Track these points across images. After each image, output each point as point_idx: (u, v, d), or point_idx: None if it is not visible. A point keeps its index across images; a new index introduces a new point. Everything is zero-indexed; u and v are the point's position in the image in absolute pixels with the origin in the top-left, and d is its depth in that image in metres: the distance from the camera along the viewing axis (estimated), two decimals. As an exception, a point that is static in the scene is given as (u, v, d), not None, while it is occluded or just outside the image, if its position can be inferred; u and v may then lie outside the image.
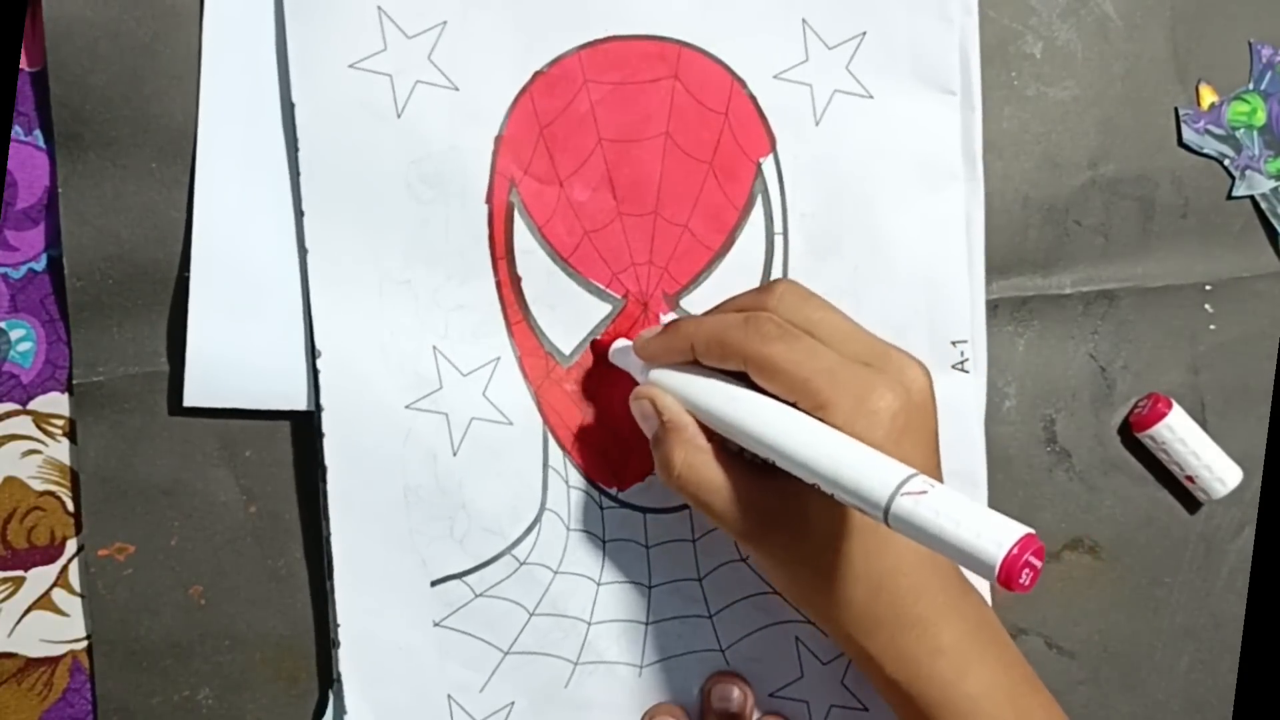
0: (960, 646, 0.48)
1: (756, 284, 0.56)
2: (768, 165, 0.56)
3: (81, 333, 0.54)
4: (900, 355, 0.48)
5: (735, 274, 0.56)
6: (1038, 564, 0.37)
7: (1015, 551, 0.36)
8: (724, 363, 0.48)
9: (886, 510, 0.40)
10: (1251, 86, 0.60)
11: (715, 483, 0.48)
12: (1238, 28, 0.60)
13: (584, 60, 0.55)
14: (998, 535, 0.37)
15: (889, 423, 0.45)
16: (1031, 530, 0.37)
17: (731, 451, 0.49)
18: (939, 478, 0.49)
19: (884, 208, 0.56)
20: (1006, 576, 0.36)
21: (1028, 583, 0.37)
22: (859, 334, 0.48)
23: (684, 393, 0.49)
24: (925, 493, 0.39)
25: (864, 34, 0.56)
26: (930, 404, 0.48)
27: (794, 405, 0.46)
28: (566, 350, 0.55)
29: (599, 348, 0.55)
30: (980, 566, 0.37)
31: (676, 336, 0.50)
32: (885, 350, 0.48)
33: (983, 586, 0.53)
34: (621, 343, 0.54)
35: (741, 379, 0.48)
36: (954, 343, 0.56)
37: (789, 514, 0.47)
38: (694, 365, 0.50)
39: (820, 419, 0.44)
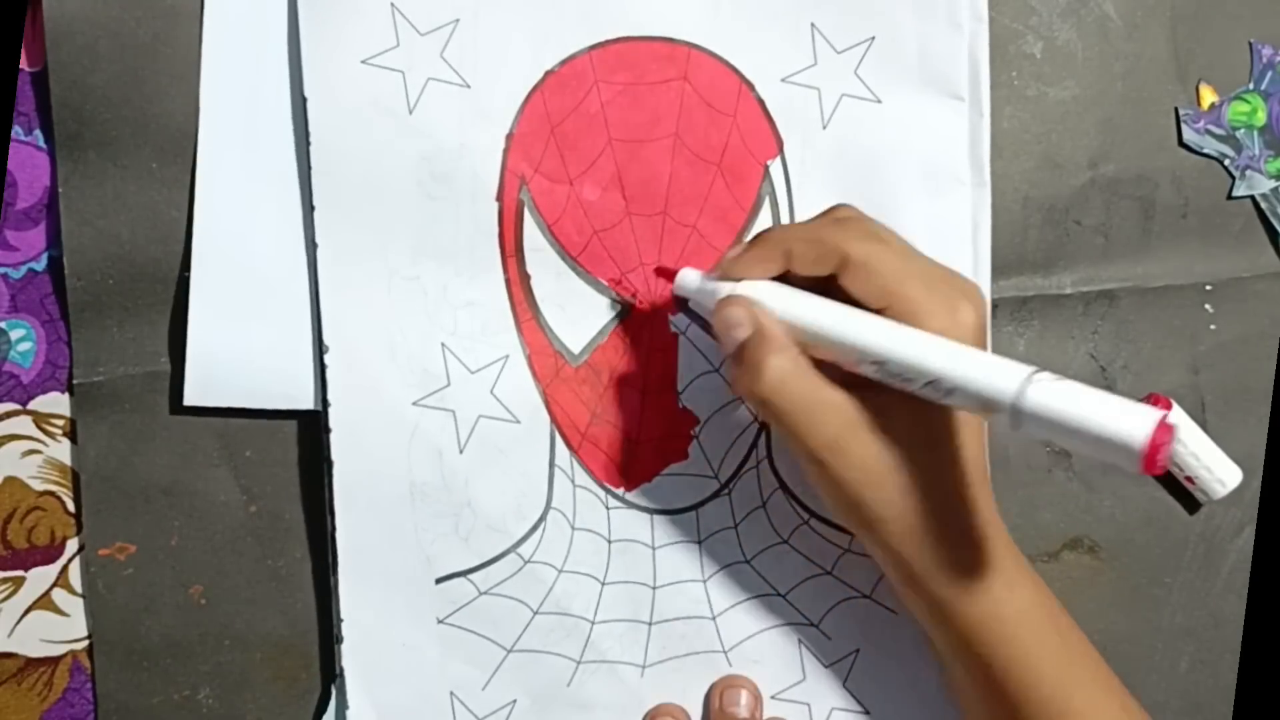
0: (1008, 564, 0.49)
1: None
2: (775, 168, 0.56)
3: (82, 333, 0.54)
4: (957, 273, 0.48)
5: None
6: (1170, 446, 0.37)
7: (1156, 436, 0.36)
8: (819, 265, 0.48)
9: (1015, 403, 0.40)
10: (1252, 86, 0.60)
11: (805, 392, 0.47)
12: (1238, 28, 0.60)
13: (595, 60, 0.55)
14: (1137, 419, 0.37)
15: (974, 335, 0.46)
16: (1163, 413, 0.37)
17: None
18: None
19: (890, 212, 0.55)
20: (1149, 461, 0.36)
21: (1164, 463, 0.37)
22: (922, 254, 0.49)
23: (782, 307, 0.48)
24: (1059, 380, 0.39)
25: (873, 39, 0.56)
26: (986, 324, 0.49)
27: (878, 313, 0.46)
28: (575, 349, 0.55)
29: (664, 272, 0.54)
30: (1120, 452, 0.37)
31: (767, 242, 0.49)
32: (945, 268, 0.49)
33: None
34: (690, 273, 0.52)
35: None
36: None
37: (872, 427, 0.47)
38: (776, 284, 0.49)
39: (913, 325, 0.45)
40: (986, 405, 0.41)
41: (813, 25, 0.56)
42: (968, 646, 0.49)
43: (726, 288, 0.50)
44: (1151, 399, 0.59)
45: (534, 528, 0.55)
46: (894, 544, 0.48)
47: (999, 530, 0.49)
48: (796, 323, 0.48)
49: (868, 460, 0.47)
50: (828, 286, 0.48)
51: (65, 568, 0.55)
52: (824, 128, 0.56)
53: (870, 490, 0.48)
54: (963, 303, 0.46)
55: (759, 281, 0.49)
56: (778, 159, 0.56)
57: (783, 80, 0.56)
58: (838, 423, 0.47)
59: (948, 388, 0.43)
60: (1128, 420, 0.37)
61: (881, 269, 0.46)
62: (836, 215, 0.50)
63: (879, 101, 0.56)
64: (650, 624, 0.56)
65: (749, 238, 0.53)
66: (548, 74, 0.54)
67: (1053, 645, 0.49)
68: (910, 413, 0.47)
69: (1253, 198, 0.60)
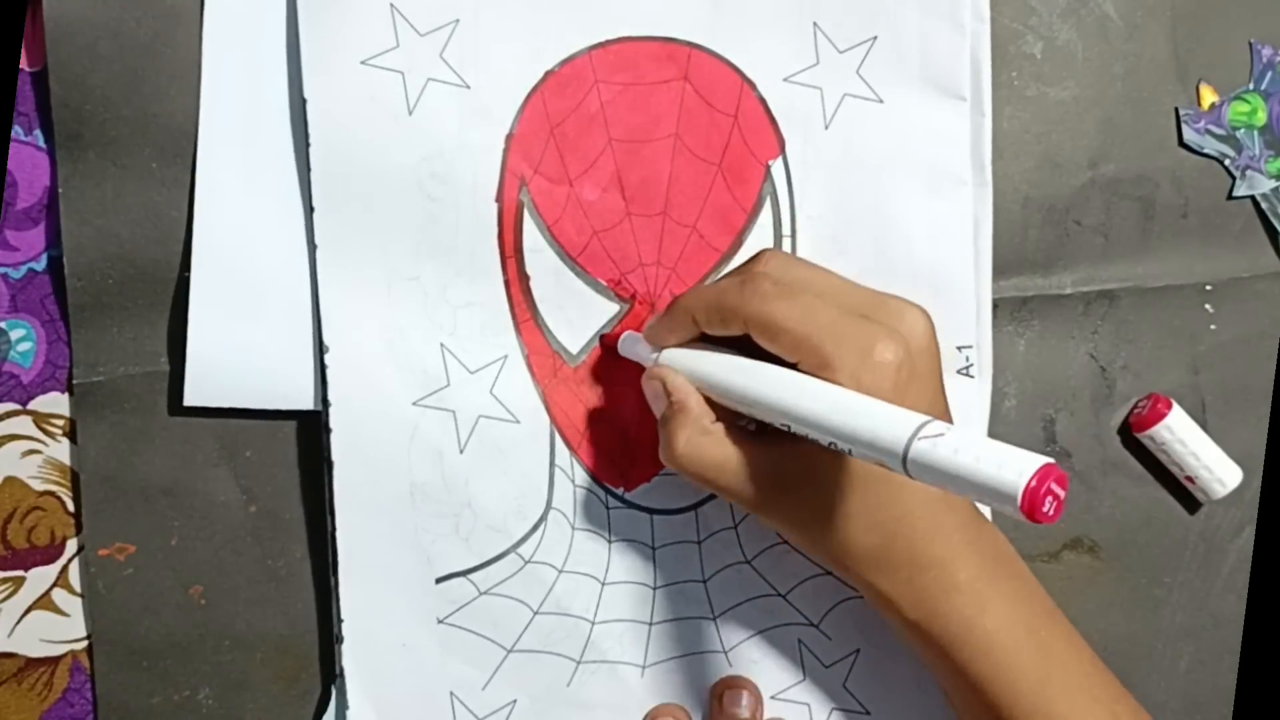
0: (977, 583, 0.48)
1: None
2: (776, 168, 0.56)
3: (82, 333, 0.54)
4: (897, 302, 0.48)
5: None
6: (1061, 493, 0.37)
7: (1034, 482, 0.36)
8: (725, 327, 0.48)
9: (904, 458, 0.40)
10: (1252, 86, 0.60)
11: (719, 459, 0.48)
12: (1238, 28, 0.60)
13: (595, 60, 0.55)
14: (1017, 466, 0.37)
15: (894, 374, 0.45)
16: (1051, 460, 0.37)
17: (739, 428, 0.50)
18: (948, 419, 0.50)
19: (892, 212, 0.56)
20: (1030, 506, 0.36)
21: (1052, 512, 0.37)
22: (852, 287, 0.49)
23: (692, 369, 0.50)
24: (941, 435, 0.39)
25: (875, 38, 0.56)
26: (933, 346, 0.48)
27: (795, 367, 0.46)
28: (574, 349, 0.55)
29: (608, 342, 0.55)
30: (1002, 500, 0.37)
31: (676, 311, 0.50)
32: (881, 300, 0.48)
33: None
34: (630, 334, 0.54)
35: (744, 354, 0.49)
36: (959, 348, 0.56)
37: (798, 477, 0.48)
38: (701, 344, 0.51)
39: (825, 378, 0.45)
40: (883, 461, 0.41)
41: (815, 25, 0.55)
42: (942, 662, 0.49)
43: (649, 354, 0.52)
44: (1151, 399, 0.59)
45: (534, 528, 0.55)
46: (856, 570, 0.49)
47: (963, 549, 0.48)
48: (710, 386, 0.49)
49: (801, 507, 0.48)
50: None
51: (65, 568, 0.55)
52: (826, 128, 0.56)
53: (808, 536, 0.49)
54: (881, 342, 0.45)
55: (677, 350, 0.51)
56: (779, 159, 0.56)
57: (784, 80, 0.56)
58: (759, 480, 0.48)
59: (845, 446, 0.43)
60: (1008, 469, 0.37)
61: (784, 326, 0.46)
62: (750, 270, 0.49)
63: (881, 101, 0.56)
64: (650, 624, 0.56)
65: (748, 240, 0.54)
66: (548, 74, 0.54)
67: (1030, 659, 0.48)
68: (837, 460, 0.47)
69: (1253, 198, 0.60)
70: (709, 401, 0.50)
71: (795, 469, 0.48)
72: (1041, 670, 0.48)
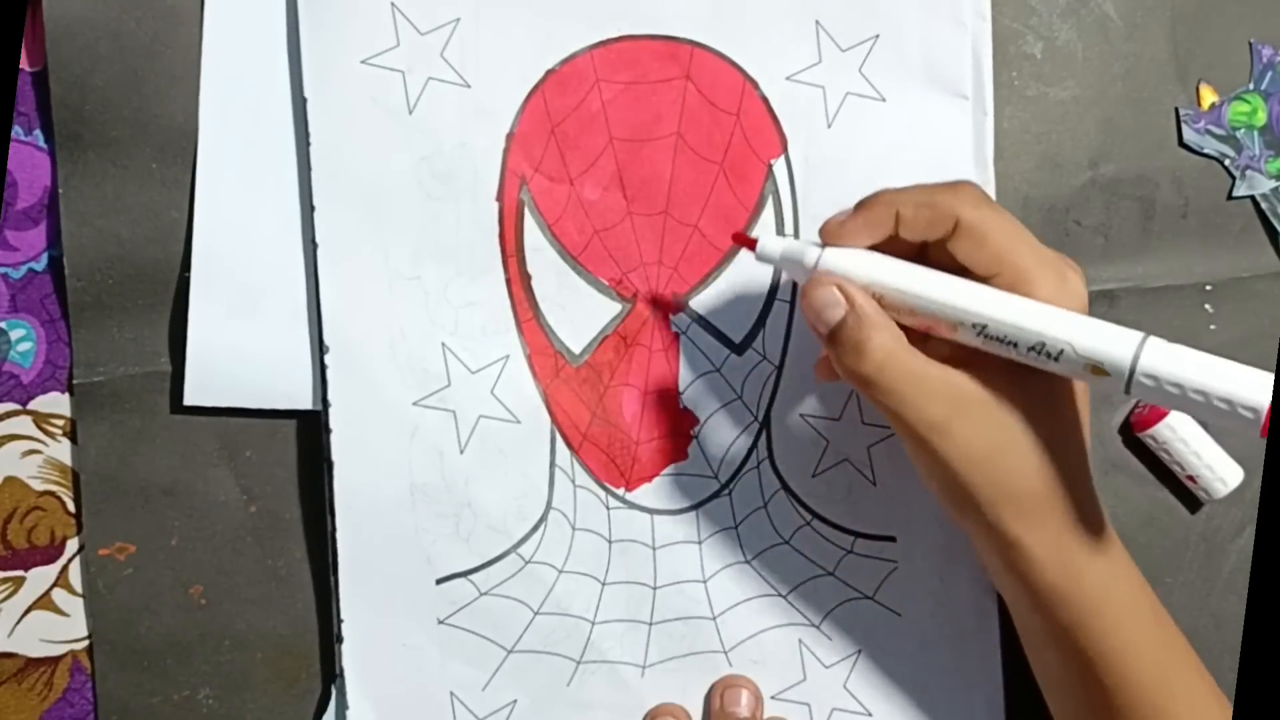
0: (1114, 549, 0.48)
1: (766, 286, 0.56)
2: (779, 166, 0.56)
3: (82, 333, 0.54)
4: (1062, 254, 0.48)
5: (745, 275, 0.56)
6: None
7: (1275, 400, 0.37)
8: (931, 228, 0.47)
9: (1132, 368, 0.40)
10: (1252, 86, 0.60)
11: (915, 370, 0.46)
12: (1238, 28, 0.60)
13: (596, 59, 0.55)
14: (1258, 383, 0.38)
15: (1081, 306, 0.46)
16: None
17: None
18: None
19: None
20: (1268, 423, 0.37)
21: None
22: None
23: (875, 277, 0.47)
24: (1171, 347, 0.40)
25: (877, 37, 0.56)
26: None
27: (986, 282, 0.46)
28: (576, 349, 0.55)
29: (740, 239, 0.51)
30: (1238, 417, 0.37)
31: (877, 206, 0.48)
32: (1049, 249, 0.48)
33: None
34: (772, 237, 0.50)
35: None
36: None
37: (980, 403, 0.46)
38: (864, 251, 0.48)
39: (1023, 294, 0.45)
40: (1098, 368, 0.41)
41: (817, 23, 0.56)
42: (1069, 634, 0.48)
43: (814, 253, 0.48)
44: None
45: (534, 528, 0.55)
46: (1001, 527, 0.47)
47: (1103, 512, 0.48)
48: (889, 289, 0.47)
49: (975, 440, 0.46)
50: (918, 258, 0.47)
51: (65, 568, 0.55)
52: (828, 126, 0.56)
53: (978, 471, 0.47)
54: (1071, 274, 0.46)
55: (847, 249, 0.48)
56: (781, 158, 0.56)
57: (787, 78, 0.56)
58: (945, 401, 0.46)
59: (1055, 351, 0.43)
60: (1248, 384, 0.38)
61: (994, 235, 0.46)
62: (956, 183, 0.49)
63: (883, 100, 0.56)
64: (650, 624, 0.56)
65: (752, 235, 0.53)
66: (549, 73, 0.54)
67: (1155, 634, 0.48)
68: (1018, 390, 0.46)
69: (1253, 198, 0.60)
70: None
71: (979, 395, 0.46)
72: (1164, 646, 0.48)
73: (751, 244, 0.49)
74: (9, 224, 0.54)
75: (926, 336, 0.47)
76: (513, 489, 0.55)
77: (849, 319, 0.47)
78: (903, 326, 0.47)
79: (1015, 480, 0.46)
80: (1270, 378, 0.37)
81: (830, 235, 0.49)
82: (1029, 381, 0.46)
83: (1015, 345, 0.44)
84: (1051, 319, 0.43)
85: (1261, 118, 0.60)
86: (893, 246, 0.48)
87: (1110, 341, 0.42)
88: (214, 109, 0.54)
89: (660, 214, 0.55)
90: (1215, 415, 0.39)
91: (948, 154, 0.56)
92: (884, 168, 0.56)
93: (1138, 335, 0.42)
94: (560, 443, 0.55)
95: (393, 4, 0.53)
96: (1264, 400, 0.37)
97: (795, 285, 0.55)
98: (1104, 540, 0.48)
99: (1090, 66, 0.59)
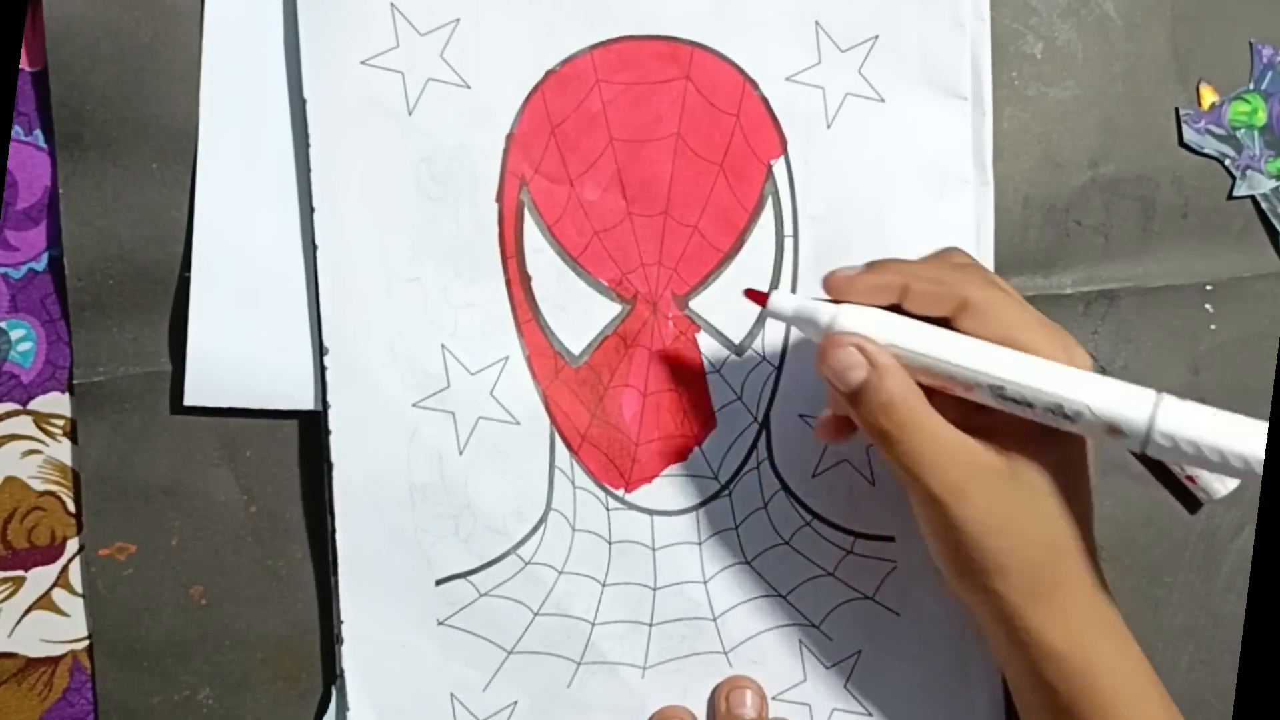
0: (1118, 623, 0.48)
1: (765, 287, 0.56)
2: (778, 167, 0.56)
3: (82, 333, 0.54)
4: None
5: (744, 275, 0.56)
6: None
7: None
8: (937, 305, 0.47)
9: (1150, 426, 0.41)
10: (1252, 86, 0.60)
11: (933, 431, 0.46)
12: (1238, 28, 0.60)
13: (596, 60, 0.55)
14: (1261, 437, 0.38)
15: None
16: None
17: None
18: None
19: (894, 211, 0.56)
20: None
21: None
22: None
23: (894, 338, 0.47)
24: (1182, 404, 0.40)
25: (876, 37, 0.56)
26: None
27: None
28: (575, 350, 0.55)
29: (752, 295, 0.50)
30: (1247, 471, 0.39)
31: (889, 272, 0.48)
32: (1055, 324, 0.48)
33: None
34: (785, 294, 0.49)
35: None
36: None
37: (997, 471, 0.46)
38: (883, 311, 0.48)
39: None
40: (1113, 429, 0.42)
41: (817, 24, 0.56)
42: (1073, 707, 0.47)
43: (828, 312, 0.48)
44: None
45: (534, 529, 0.55)
46: (1009, 596, 0.47)
47: (1103, 584, 0.48)
48: (907, 348, 0.46)
49: (990, 506, 0.46)
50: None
51: (65, 568, 0.55)
52: (828, 127, 0.56)
53: (990, 538, 0.46)
54: (1076, 350, 0.46)
55: (864, 308, 0.48)
56: (781, 158, 0.56)
57: (786, 79, 0.56)
58: (963, 464, 0.46)
59: (1073, 411, 0.43)
60: (1255, 440, 0.39)
61: (1001, 314, 0.46)
62: (954, 260, 0.50)
63: (883, 101, 0.56)
64: (651, 625, 0.56)
65: (750, 239, 0.53)
66: (549, 73, 0.54)
67: (1158, 710, 0.48)
68: (1035, 458, 0.46)
69: (1253, 198, 0.60)
70: None
71: (996, 463, 0.46)
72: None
73: (763, 299, 0.49)
74: (9, 224, 0.54)
75: (934, 400, 0.47)
76: (512, 490, 0.55)
77: (873, 376, 0.46)
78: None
79: (1028, 551, 0.47)
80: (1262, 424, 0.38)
81: (837, 290, 0.49)
82: (1044, 449, 0.46)
83: (1032, 406, 0.44)
84: (1068, 380, 0.44)
85: (1261, 118, 0.60)
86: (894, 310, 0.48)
87: (1126, 402, 0.43)
88: (214, 109, 0.54)
89: (660, 215, 0.55)
90: (1231, 471, 0.39)
91: (947, 155, 0.56)
92: (883, 168, 0.56)
93: (1152, 395, 0.42)
94: (560, 444, 0.55)
95: (392, 4, 0.53)
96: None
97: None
98: (1109, 613, 0.48)
99: (1090, 66, 0.59)
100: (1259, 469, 0.38)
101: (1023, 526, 0.46)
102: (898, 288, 0.47)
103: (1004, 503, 0.46)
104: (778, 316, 0.49)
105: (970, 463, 0.46)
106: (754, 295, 0.50)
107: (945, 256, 0.50)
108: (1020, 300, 0.47)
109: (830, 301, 0.48)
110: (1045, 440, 0.45)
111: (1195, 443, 0.40)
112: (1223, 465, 0.40)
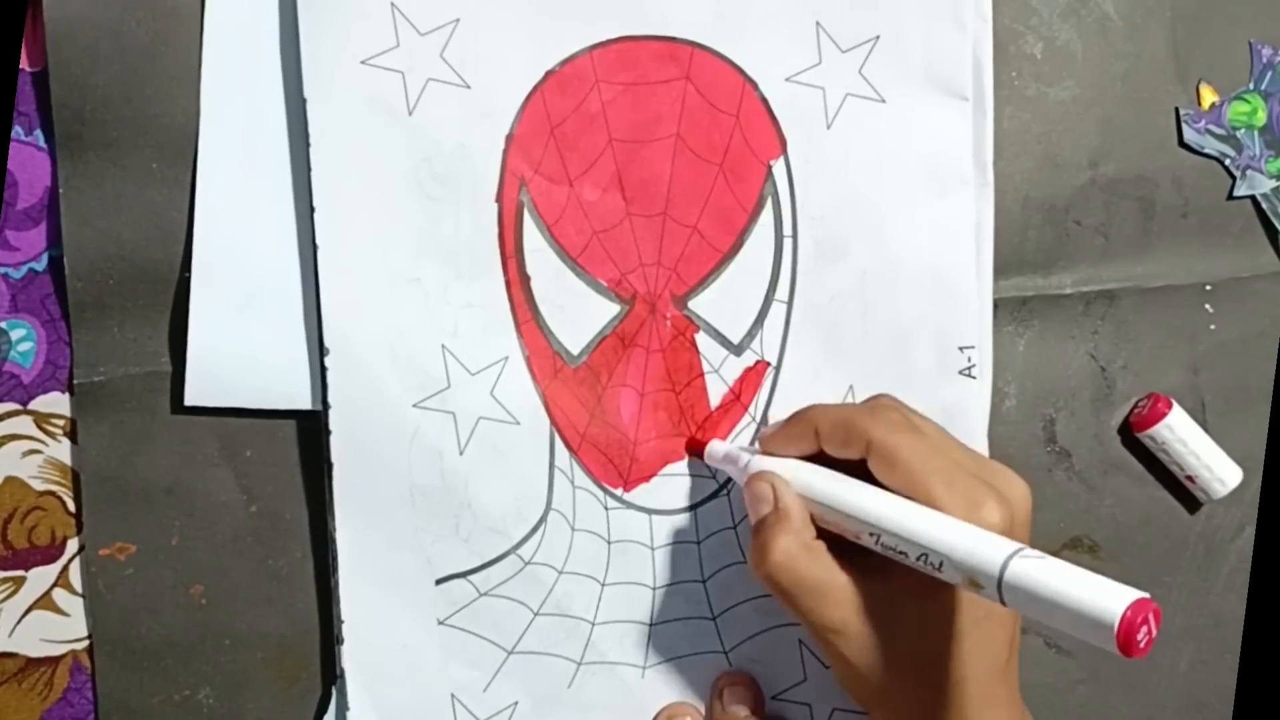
0: None
1: (765, 286, 0.56)
2: (778, 168, 0.56)
3: (82, 333, 0.54)
4: (1005, 470, 0.48)
5: (744, 276, 0.56)
6: (1155, 629, 0.37)
7: (1130, 613, 0.37)
8: (846, 447, 0.49)
9: (1000, 577, 0.40)
10: (1252, 86, 0.60)
11: (813, 577, 0.48)
12: (1238, 28, 0.60)
13: (596, 60, 0.55)
14: (1114, 598, 0.37)
15: (1005, 530, 0.45)
16: (1147, 595, 0.37)
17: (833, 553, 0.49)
18: None
19: (894, 212, 0.56)
20: (1125, 639, 0.37)
21: (1144, 645, 0.37)
22: (964, 448, 0.49)
23: (798, 479, 0.50)
24: (1040, 559, 0.40)
25: (877, 38, 0.56)
26: (1030, 521, 0.48)
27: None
28: (575, 350, 0.55)
29: (692, 447, 0.56)
30: (1097, 628, 0.37)
31: (801, 421, 0.51)
32: (990, 465, 0.49)
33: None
34: (716, 443, 0.55)
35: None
36: (961, 348, 0.56)
37: (881, 611, 0.47)
38: (795, 460, 0.51)
39: None
40: (972, 579, 0.42)
41: (817, 24, 0.55)
42: None
43: (745, 457, 0.53)
44: (1151, 399, 0.59)
45: (534, 529, 0.55)
46: None
47: (1015, 705, 0.49)
48: (807, 494, 0.49)
49: (872, 644, 0.47)
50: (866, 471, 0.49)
51: (65, 568, 0.55)
52: (828, 127, 0.56)
53: (875, 674, 0.48)
54: (990, 503, 0.46)
55: (772, 458, 0.51)
56: (781, 159, 0.56)
57: (787, 79, 0.56)
58: (843, 605, 0.47)
59: (936, 561, 0.43)
60: (1104, 600, 0.37)
61: (906, 460, 0.47)
62: (875, 402, 0.51)
63: (883, 101, 0.56)
64: (650, 625, 0.56)
65: (750, 240, 0.54)
66: (548, 74, 0.54)
67: None
68: (923, 601, 0.47)
69: (1253, 198, 0.60)
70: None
71: (879, 604, 0.47)
72: None
73: (700, 449, 0.55)
74: (9, 224, 0.54)
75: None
76: (512, 490, 0.55)
77: (769, 517, 0.49)
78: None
79: (911, 688, 0.48)
80: (1131, 593, 0.37)
81: (763, 443, 0.53)
82: (939, 600, 0.47)
83: (906, 555, 0.45)
84: (935, 529, 0.44)
85: (1261, 118, 0.60)
86: (838, 462, 0.50)
87: (981, 552, 0.42)
88: (214, 109, 0.54)
89: (659, 215, 0.55)
90: (1079, 630, 0.38)
91: (947, 155, 0.56)
92: (883, 169, 0.56)
93: (1011, 546, 0.41)
94: (559, 444, 0.55)
95: (392, 4, 0.53)
96: (1115, 616, 0.37)
97: (789, 306, 0.56)
98: None
99: (1090, 66, 0.59)
100: (1113, 640, 0.37)
101: (907, 664, 0.47)
102: (810, 434, 0.50)
103: (887, 640, 0.47)
104: (712, 461, 0.55)
105: (851, 603, 0.47)
106: (693, 444, 0.56)
107: (871, 400, 0.52)
108: (934, 446, 0.48)
109: (755, 452, 0.53)
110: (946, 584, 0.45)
111: (1049, 600, 0.39)
112: (1078, 626, 0.38)
